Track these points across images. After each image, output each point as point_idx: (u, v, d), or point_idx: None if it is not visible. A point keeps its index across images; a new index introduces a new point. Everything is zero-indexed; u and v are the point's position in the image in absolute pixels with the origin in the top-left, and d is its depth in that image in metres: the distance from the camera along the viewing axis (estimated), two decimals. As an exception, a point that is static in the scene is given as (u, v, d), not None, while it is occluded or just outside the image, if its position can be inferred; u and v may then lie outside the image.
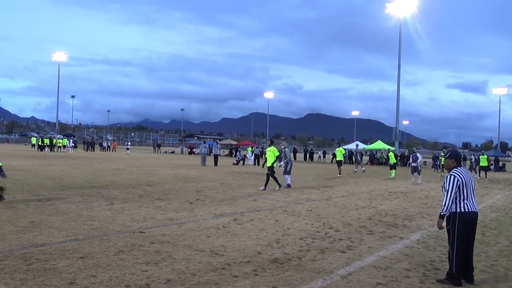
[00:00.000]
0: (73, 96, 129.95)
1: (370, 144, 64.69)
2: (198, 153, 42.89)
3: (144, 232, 7.66)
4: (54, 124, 77.63)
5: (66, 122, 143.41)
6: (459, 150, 35.23)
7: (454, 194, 5.40)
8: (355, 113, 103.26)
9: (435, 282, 5.55)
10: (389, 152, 30.48)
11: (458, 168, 5.56)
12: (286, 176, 17.19)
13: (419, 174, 23.00)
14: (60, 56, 67.21)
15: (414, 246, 7.61)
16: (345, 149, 38.64)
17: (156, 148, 65.84)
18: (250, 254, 6.49)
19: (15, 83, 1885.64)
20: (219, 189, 15.38)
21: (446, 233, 5.70)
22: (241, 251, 6.65)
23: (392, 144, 51.33)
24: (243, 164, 35.81)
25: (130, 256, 6.08)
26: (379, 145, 55.18)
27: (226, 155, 56.76)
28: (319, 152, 59.93)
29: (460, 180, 5.42)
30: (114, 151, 57.64)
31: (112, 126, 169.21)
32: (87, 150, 55.63)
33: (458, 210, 5.44)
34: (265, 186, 15.78)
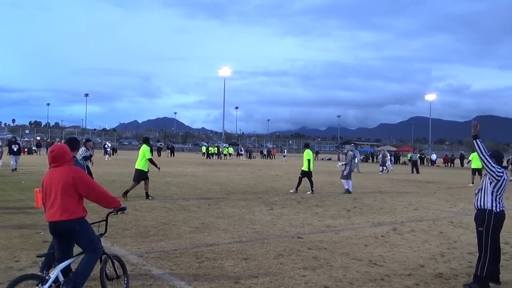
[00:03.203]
0: (236, 108, 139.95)
1: (556, 148, 55.71)
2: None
3: (302, 238, 7.85)
4: (221, 134, 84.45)
5: (231, 132, 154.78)
6: None
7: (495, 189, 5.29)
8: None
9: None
10: None
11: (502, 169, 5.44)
12: (343, 181, 16.05)
13: None
14: (225, 71, 73.13)
15: None
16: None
17: (314, 155, 66.80)
18: (412, 267, 6.16)
19: (188, 98, 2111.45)
20: (377, 196, 14.94)
21: None
22: (402, 263, 6.35)
23: None
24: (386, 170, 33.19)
25: (289, 261, 6.28)
26: None
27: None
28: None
29: (505, 181, 5.33)
30: (273, 158, 60.22)
31: (272, 135, 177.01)
32: (249, 158, 59.23)
33: (495, 210, 5.28)
34: (296, 189, 15.43)
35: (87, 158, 13.19)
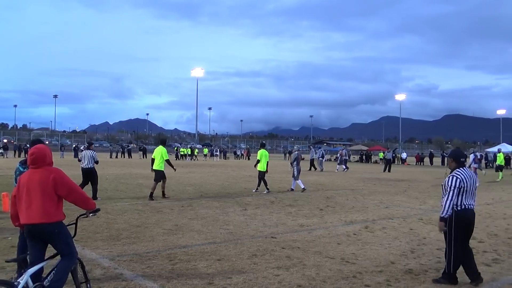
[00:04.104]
0: (210, 108, 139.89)
1: (520, 146, 57.64)
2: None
3: (275, 238, 7.89)
4: (194, 134, 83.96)
5: (204, 133, 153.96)
6: None
7: (455, 196, 5.31)
8: (500, 112, 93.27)
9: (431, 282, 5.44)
10: (498, 152, 27.47)
11: (460, 168, 5.46)
12: (297, 181, 16.38)
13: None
14: (198, 72, 72.86)
15: None
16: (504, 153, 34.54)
17: (287, 155, 67.23)
18: (383, 264, 6.28)
19: (161, 99, 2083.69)
20: (349, 195, 15.15)
21: None
22: (373, 260, 6.47)
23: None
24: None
25: (263, 260, 6.31)
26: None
27: (357, 161, 56.35)
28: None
29: (462, 181, 5.31)
30: (247, 158, 60.27)
31: (245, 135, 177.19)
32: (224, 158, 59.15)
33: (455, 208, 5.34)
34: (260, 187, 15.70)
35: (97, 162, 13.34)
